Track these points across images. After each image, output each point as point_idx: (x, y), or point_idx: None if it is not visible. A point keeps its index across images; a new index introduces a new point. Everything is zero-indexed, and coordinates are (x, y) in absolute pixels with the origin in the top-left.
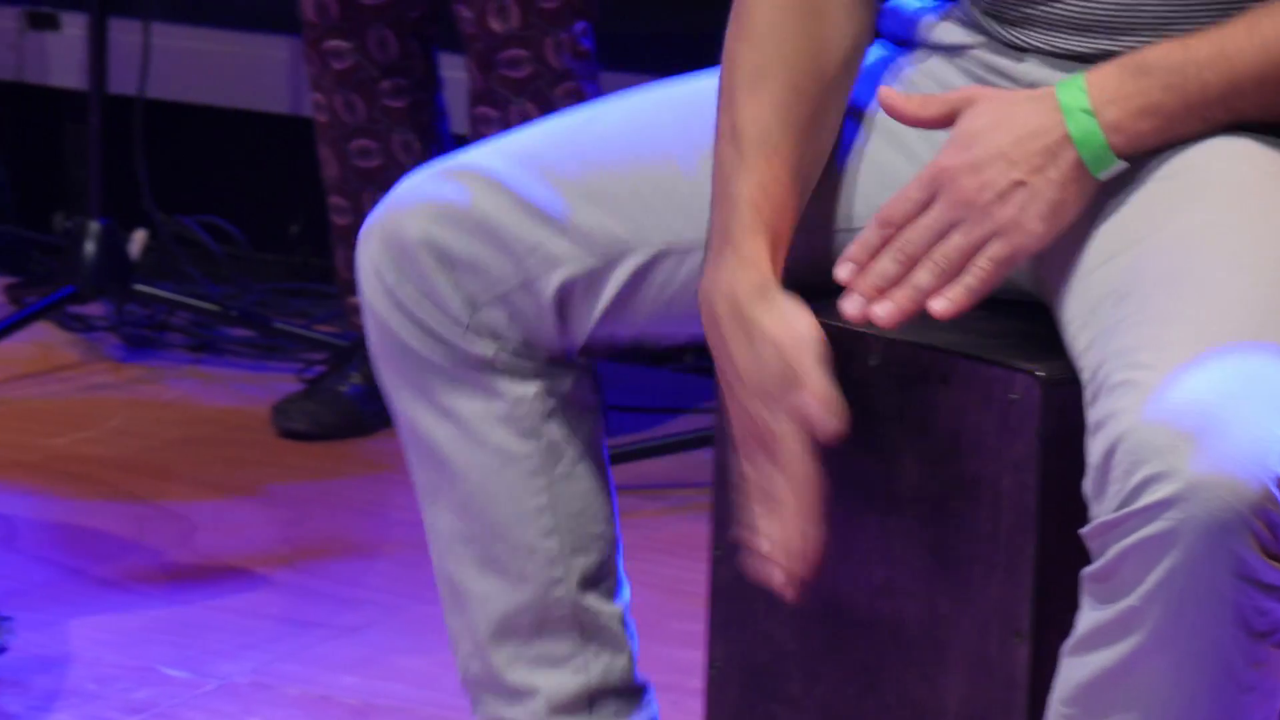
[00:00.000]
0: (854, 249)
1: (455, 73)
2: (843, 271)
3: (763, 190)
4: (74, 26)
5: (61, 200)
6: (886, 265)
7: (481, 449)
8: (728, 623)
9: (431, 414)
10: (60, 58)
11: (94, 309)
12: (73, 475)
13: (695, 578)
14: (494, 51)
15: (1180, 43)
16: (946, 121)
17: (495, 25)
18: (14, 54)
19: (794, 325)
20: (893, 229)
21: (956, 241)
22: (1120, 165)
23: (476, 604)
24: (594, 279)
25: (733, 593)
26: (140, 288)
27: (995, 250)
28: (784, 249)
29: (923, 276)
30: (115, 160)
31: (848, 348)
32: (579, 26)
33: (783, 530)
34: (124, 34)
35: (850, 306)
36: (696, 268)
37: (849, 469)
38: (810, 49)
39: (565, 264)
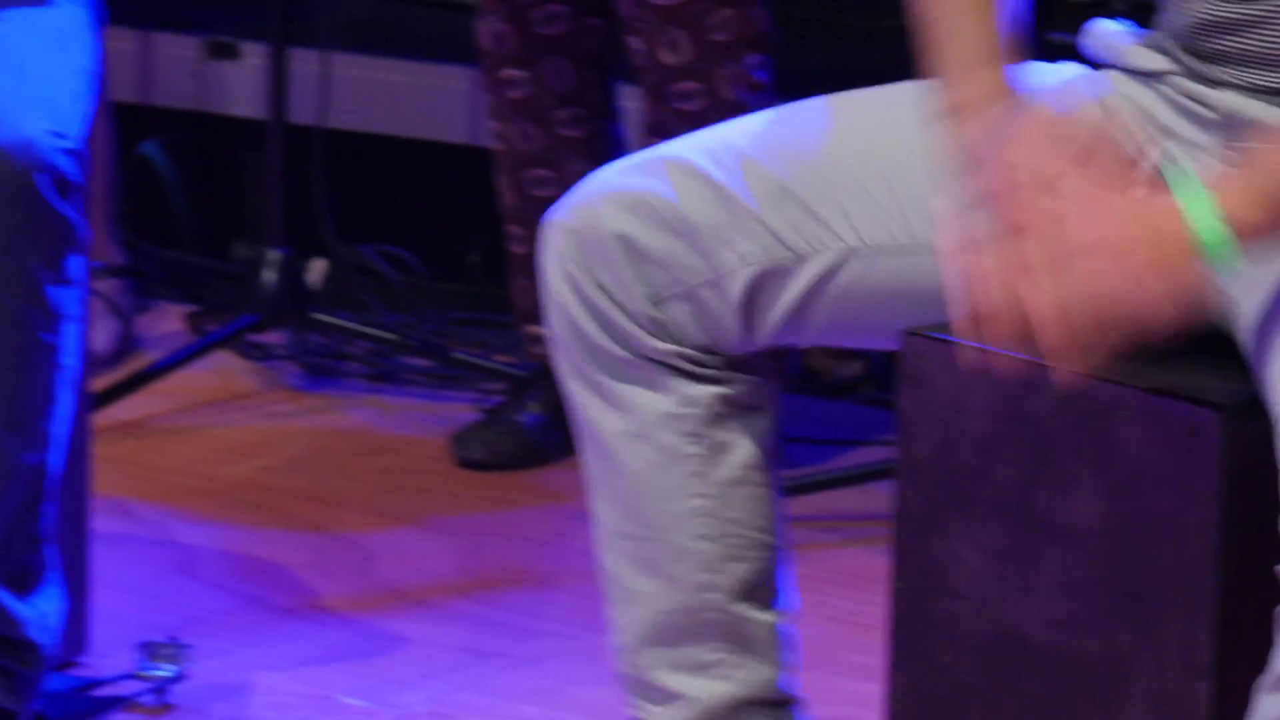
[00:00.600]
0: None
1: (634, 103)
2: None
3: (988, 26)
4: (254, 56)
5: (241, 229)
6: None
7: (647, 446)
8: (907, 656)
9: (602, 405)
10: (240, 87)
11: (273, 338)
12: (251, 504)
13: (873, 610)
14: (666, 83)
15: None
16: None
17: (667, 58)
18: (195, 83)
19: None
20: None
21: None
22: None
23: (630, 602)
24: (782, 277)
25: (912, 626)
26: (319, 317)
27: None
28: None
29: None
30: (295, 189)
31: (1026, 380)
32: (752, 59)
33: (1039, 297)
34: (304, 63)
35: None
36: (883, 270)
37: (1029, 502)
38: None
39: (755, 261)
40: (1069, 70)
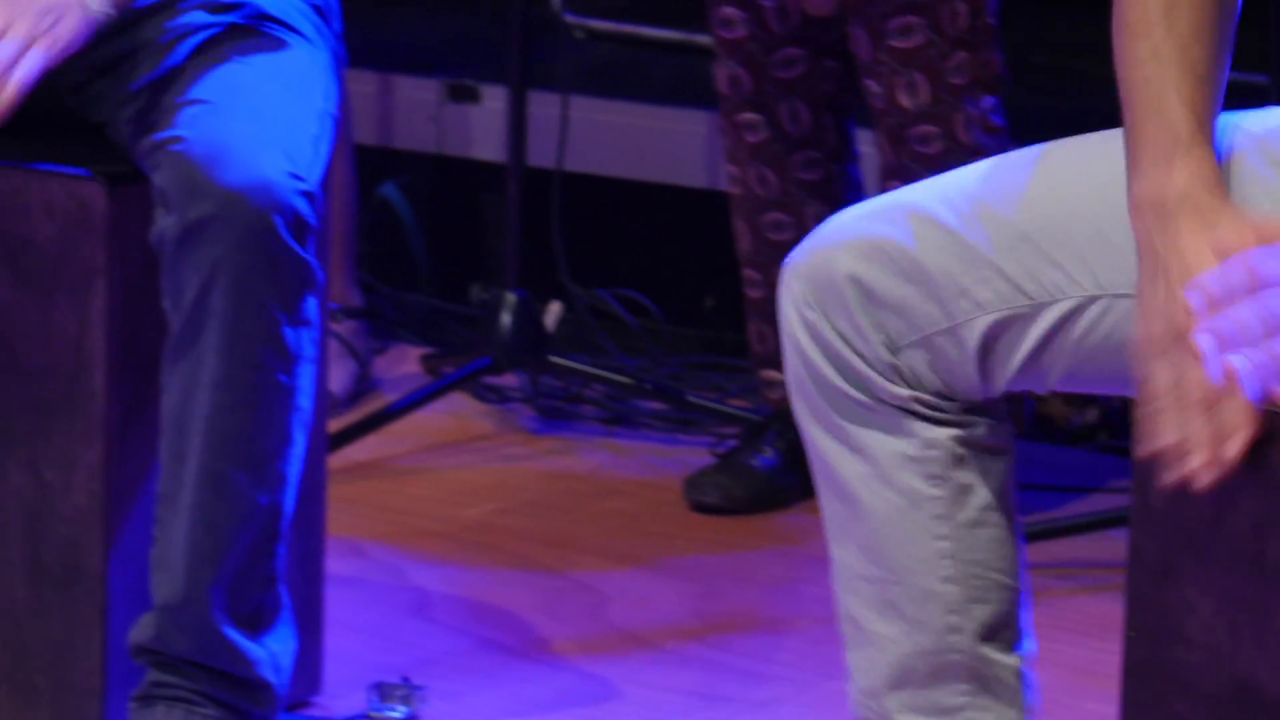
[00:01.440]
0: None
1: (870, 147)
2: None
3: (1198, 105)
4: (494, 99)
5: (479, 272)
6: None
7: (889, 489)
8: (1140, 705)
9: (843, 450)
10: (480, 130)
11: (509, 380)
12: (485, 546)
13: (1107, 659)
14: (904, 127)
15: None
16: None
17: (905, 101)
18: (434, 126)
19: (1259, 225)
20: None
21: None
22: None
23: (873, 645)
24: (1020, 324)
25: (1145, 675)
26: (555, 360)
27: None
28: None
29: None
30: (532, 232)
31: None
32: (988, 102)
33: (1204, 423)
34: (543, 107)
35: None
36: (1122, 317)
37: (1265, 550)
38: None
39: (993, 308)
40: (1274, 118)
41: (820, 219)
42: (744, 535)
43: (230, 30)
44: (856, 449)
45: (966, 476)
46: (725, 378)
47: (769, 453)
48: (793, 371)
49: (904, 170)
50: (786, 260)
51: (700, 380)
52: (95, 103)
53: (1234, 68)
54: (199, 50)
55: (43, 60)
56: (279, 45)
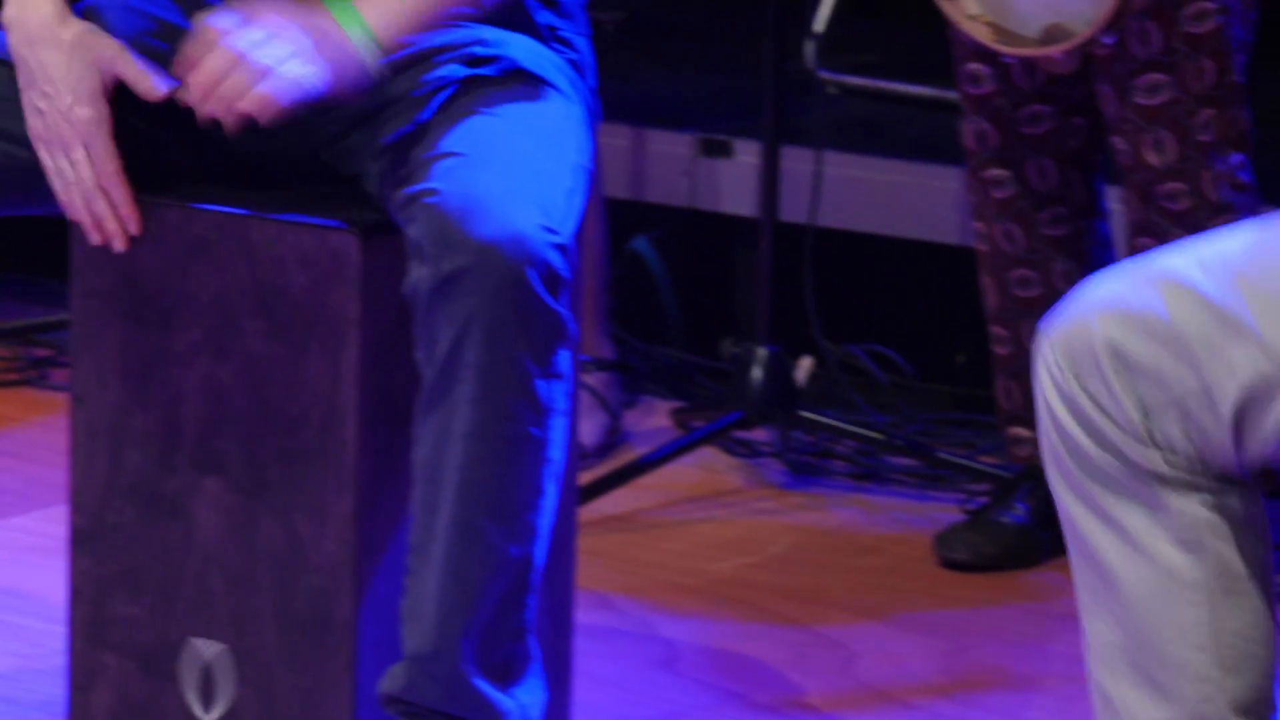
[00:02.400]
0: None
1: (1117, 203)
2: None
3: None
4: (746, 154)
5: (730, 326)
6: None
7: (1144, 562)
8: None
9: (1097, 521)
10: (732, 184)
11: (759, 435)
12: (734, 600)
13: None
14: (1152, 184)
15: None
16: None
17: (1152, 159)
18: (687, 180)
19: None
20: None
21: None
22: None
23: (1123, 715)
24: (1276, 391)
25: None
26: (806, 415)
27: None
28: None
29: None
30: (784, 287)
31: None
32: (1235, 159)
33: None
34: (795, 162)
35: None
36: None
37: None
38: None
39: (1249, 374)
40: None
41: (1067, 275)
42: (993, 592)
43: (484, 83)
44: (1110, 518)
45: (1221, 545)
46: (976, 434)
47: (1019, 510)
48: (1047, 439)
49: (1153, 226)
50: (1041, 326)
51: (951, 436)
52: (350, 155)
53: None
54: (452, 102)
55: (294, 95)
56: (533, 99)
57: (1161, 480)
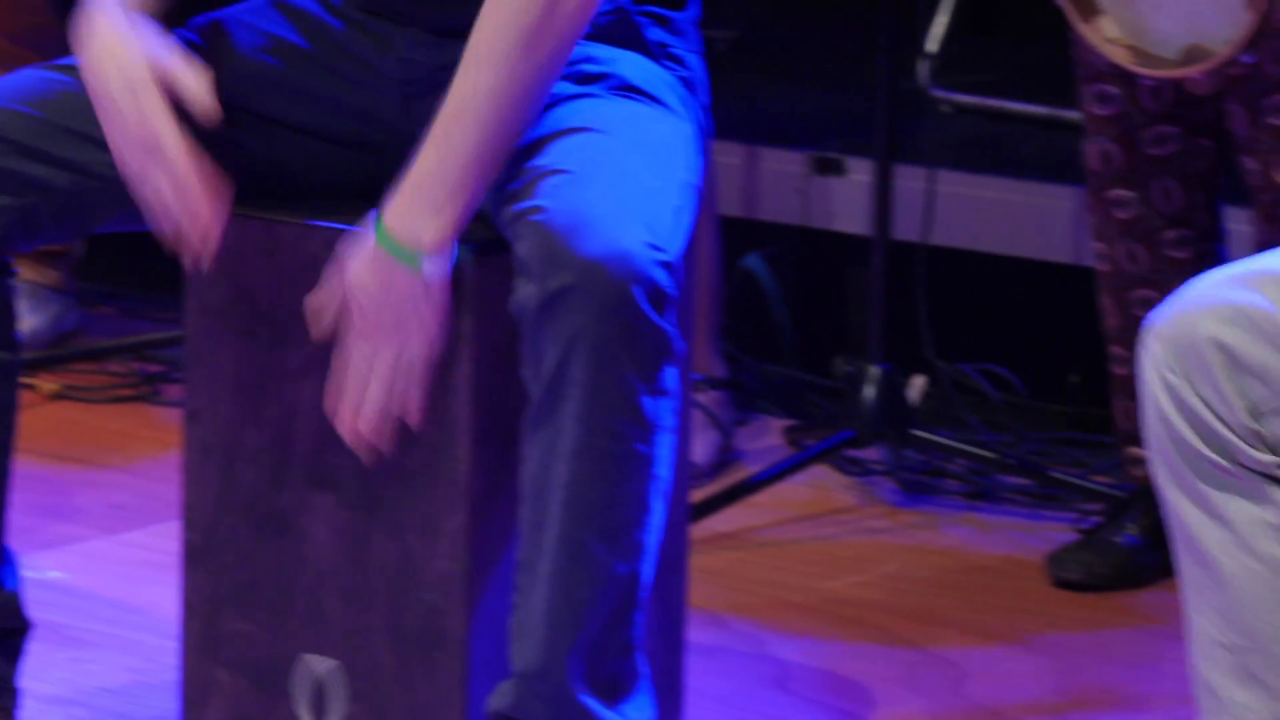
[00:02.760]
0: None
1: (1237, 225)
2: None
3: None
4: (859, 172)
5: (842, 344)
6: None
7: (1249, 556)
8: None
9: (1203, 515)
10: (844, 202)
11: (871, 453)
12: (845, 619)
13: None
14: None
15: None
16: None
17: None
18: (800, 198)
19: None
20: None
21: None
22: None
23: (1230, 714)
24: None
25: None
26: (918, 434)
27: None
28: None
29: None
30: (897, 306)
31: None
32: None
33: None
34: (908, 180)
35: None
36: None
37: None
38: None
39: None
40: None
41: None
42: (1106, 612)
43: (593, 100)
44: (1216, 515)
45: None
46: (1089, 453)
47: (1133, 530)
48: (1154, 434)
49: (1277, 246)
50: (1147, 322)
51: (1063, 456)
52: None
53: None
54: (560, 119)
55: (421, 367)
56: (642, 116)
57: (1269, 478)
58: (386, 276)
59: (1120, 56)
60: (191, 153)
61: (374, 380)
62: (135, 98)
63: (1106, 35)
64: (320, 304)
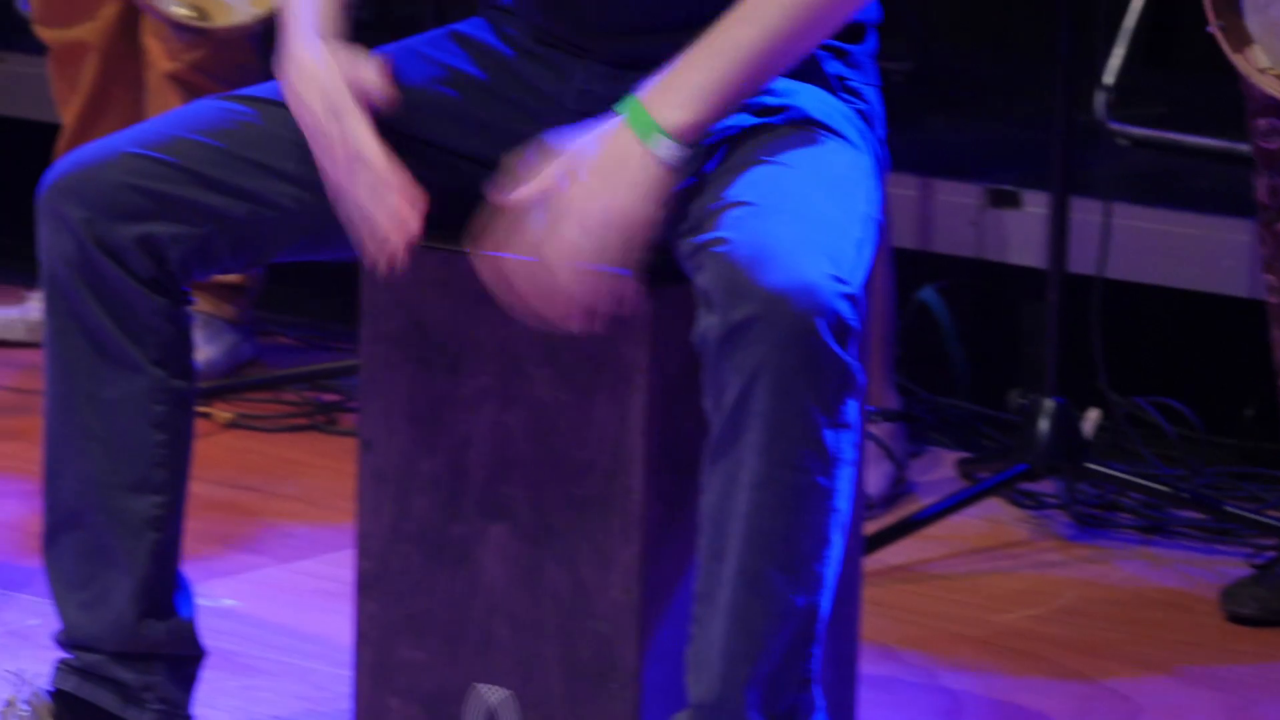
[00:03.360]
0: None
1: None
2: None
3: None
4: (1035, 205)
5: (1016, 377)
6: None
7: None
8: None
9: None
10: (1020, 235)
11: (1044, 487)
12: (1018, 652)
13: None
14: None
15: None
16: None
17: None
18: (974, 230)
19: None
20: None
21: None
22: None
23: None
24: None
25: None
26: (1092, 467)
27: None
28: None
29: None
30: (1071, 339)
31: None
32: None
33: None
34: (1084, 213)
35: None
36: None
37: None
38: None
39: None
40: None
41: None
42: None
43: (773, 132)
44: None
45: None
46: (1264, 488)
47: None
48: None
49: None
50: None
51: (1238, 490)
52: None
53: None
54: (741, 151)
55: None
56: (822, 149)
57: None
58: (616, 141)
59: (1273, 87)
60: (392, 162)
61: (579, 230)
62: (338, 119)
63: (1259, 65)
64: (530, 187)
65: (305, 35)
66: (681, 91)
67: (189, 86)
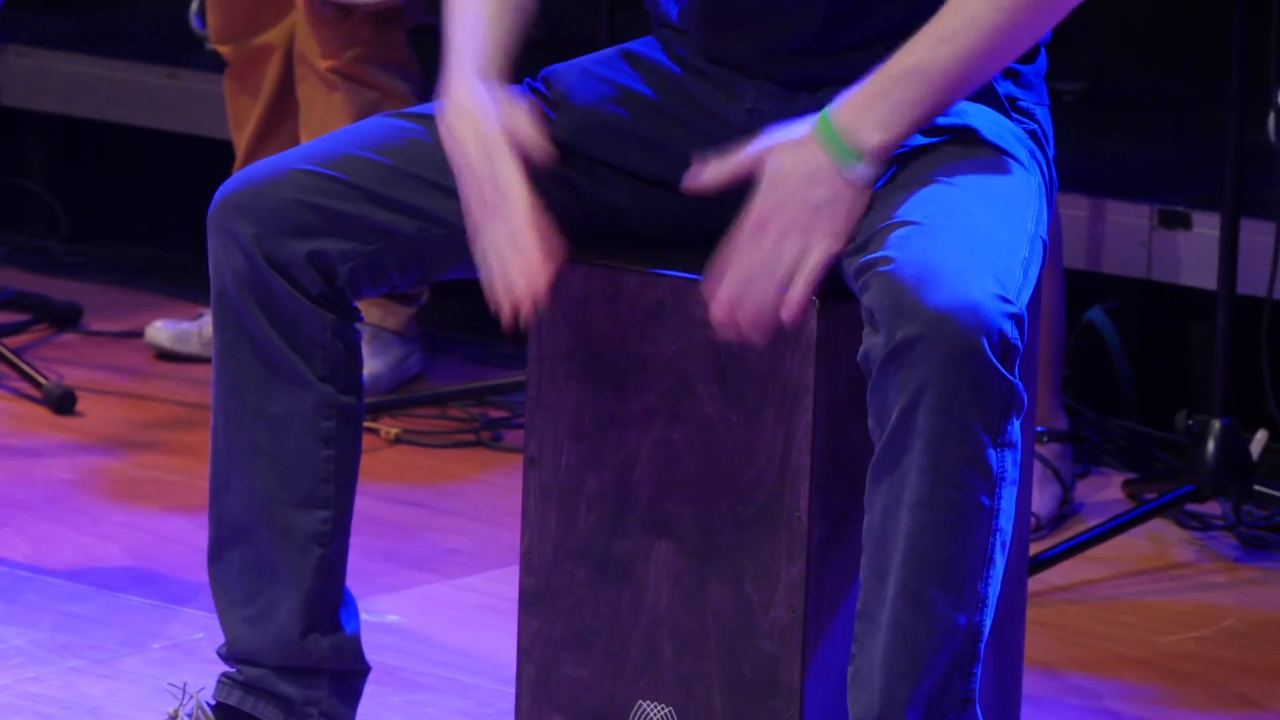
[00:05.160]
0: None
1: None
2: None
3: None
4: (1205, 226)
5: (1184, 398)
6: None
7: None
8: None
9: None
10: (1190, 256)
11: (1211, 508)
12: (1183, 674)
13: None
14: None
15: None
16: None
17: None
18: (1144, 251)
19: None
20: None
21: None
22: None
23: None
24: None
25: None
26: (1260, 488)
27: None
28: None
29: None
30: (1240, 360)
31: None
32: None
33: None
34: (1255, 234)
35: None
36: None
37: None
38: None
39: None
40: None
41: None
42: None
43: (942, 152)
44: None
45: None
46: None
47: None
48: None
49: None
50: None
51: None
52: None
53: None
54: (909, 170)
55: (820, 269)
56: (991, 168)
57: None
58: (815, 169)
59: None
60: (536, 213)
61: (765, 271)
62: (490, 159)
63: None
64: (724, 170)
65: (465, 74)
66: (879, 113)
67: (350, 80)
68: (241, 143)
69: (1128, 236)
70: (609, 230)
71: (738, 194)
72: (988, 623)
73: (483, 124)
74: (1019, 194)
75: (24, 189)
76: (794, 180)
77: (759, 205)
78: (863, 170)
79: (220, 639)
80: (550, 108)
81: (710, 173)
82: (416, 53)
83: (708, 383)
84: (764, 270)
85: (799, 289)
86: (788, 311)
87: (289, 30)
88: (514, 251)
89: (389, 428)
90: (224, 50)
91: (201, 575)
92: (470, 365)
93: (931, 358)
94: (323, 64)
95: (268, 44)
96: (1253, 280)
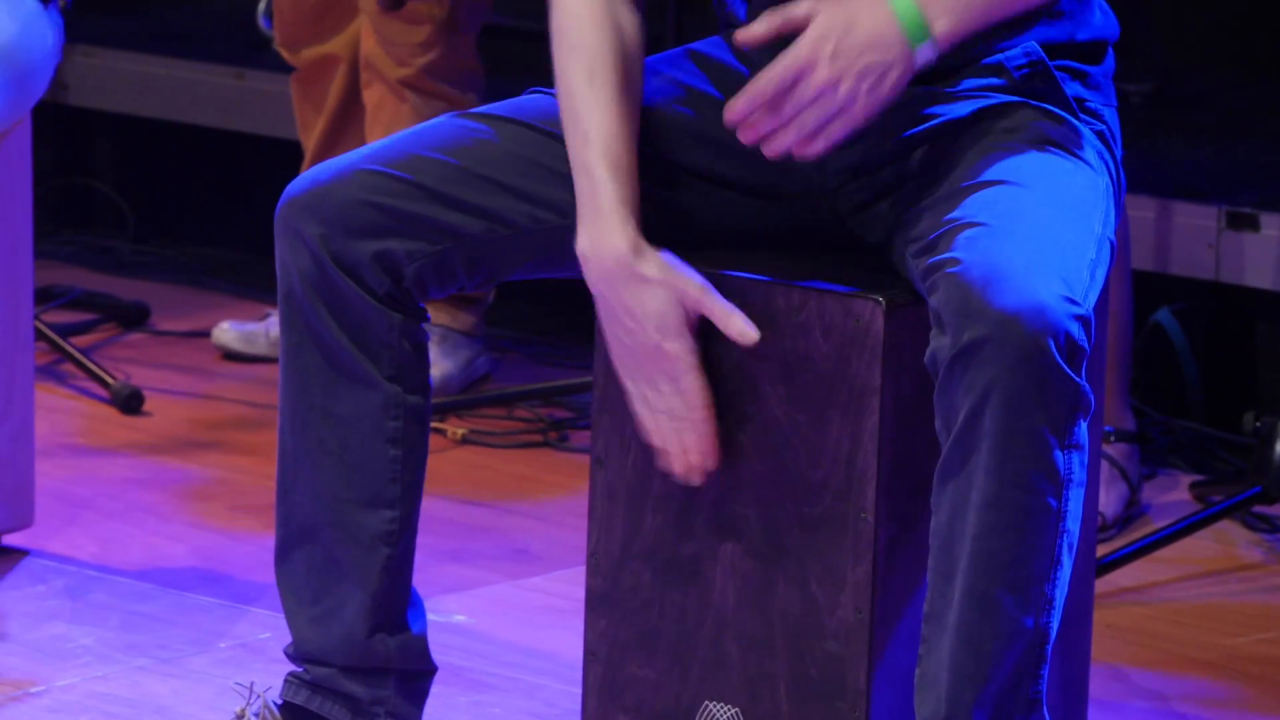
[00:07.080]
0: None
1: None
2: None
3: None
4: (1272, 227)
5: (1252, 400)
6: None
7: None
8: None
9: None
10: (1257, 258)
11: (1279, 510)
12: (1250, 676)
13: None
14: None
15: None
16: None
17: None
18: (1211, 253)
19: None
20: None
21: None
22: None
23: None
24: None
25: None
26: None
27: None
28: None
29: None
30: None
31: None
32: None
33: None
34: None
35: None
36: None
37: None
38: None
39: None
40: None
41: None
42: None
43: (1011, 150)
44: None
45: None
46: None
47: None
48: None
49: None
50: None
51: None
52: (875, 224)
53: None
54: (978, 172)
55: (850, 126)
56: (1059, 170)
57: None
58: (877, 31)
59: None
60: (710, 412)
61: (801, 107)
62: (665, 339)
63: None
64: (774, 21)
65: (622, 224)
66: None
67: (419, 91)
68: (309, 144)
69: (1195, 238)
70: (676, 230)
71: (808, 197)
72: (1055, 625)
73: (664, 300)
74: (1087, 195)
75: (92, 189)
76: (854, 36)
77: (806, 48)
78: (924, 50)
79: (287, 638)
80: None
81: (761, 24)
82: (481, 55)
83: (775, 383)
84: (795, 105)
85: (834, 131)
86: (813, 147)
87: (352, 40)
88: (687, 423)
89: (456, 428)
90: (291, 57)
91: (268, 575)
92: (536, 366)
93: (999, 359)
94: (394, 74)
95: (332, 55)
96: None
